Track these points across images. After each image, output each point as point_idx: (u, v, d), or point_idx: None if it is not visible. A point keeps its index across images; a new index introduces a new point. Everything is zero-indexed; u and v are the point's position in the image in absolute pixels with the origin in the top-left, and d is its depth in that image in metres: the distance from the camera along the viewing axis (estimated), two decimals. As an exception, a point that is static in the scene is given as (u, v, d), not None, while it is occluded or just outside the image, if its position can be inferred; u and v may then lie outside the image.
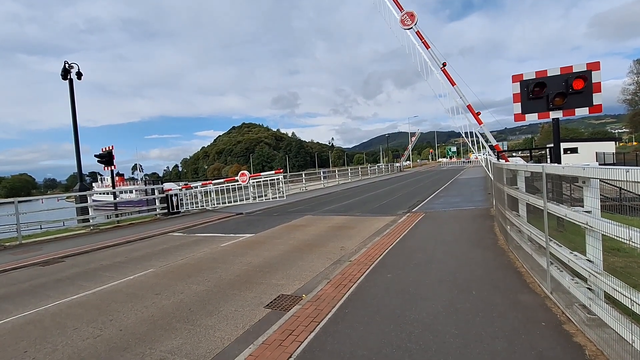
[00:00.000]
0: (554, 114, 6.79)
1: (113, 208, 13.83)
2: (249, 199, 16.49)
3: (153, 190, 15.06)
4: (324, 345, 3.33)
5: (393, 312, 3.92)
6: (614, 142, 39.71)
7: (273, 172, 13.67)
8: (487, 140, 11.32)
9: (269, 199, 15.18)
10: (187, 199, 15.92)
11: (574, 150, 38.03)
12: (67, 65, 14.91)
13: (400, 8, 12.03)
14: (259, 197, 15.51)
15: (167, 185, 14.74)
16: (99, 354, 3.74)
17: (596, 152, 35.29)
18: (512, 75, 7.18)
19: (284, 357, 3.18)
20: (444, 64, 11.85)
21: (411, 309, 3.93)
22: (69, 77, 15.02)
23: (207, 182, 15.26)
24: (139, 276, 6.55)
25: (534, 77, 6.90)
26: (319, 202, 16.97)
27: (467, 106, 11.61)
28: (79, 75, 15.20)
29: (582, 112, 6.65)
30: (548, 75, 6.79)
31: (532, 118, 6.97)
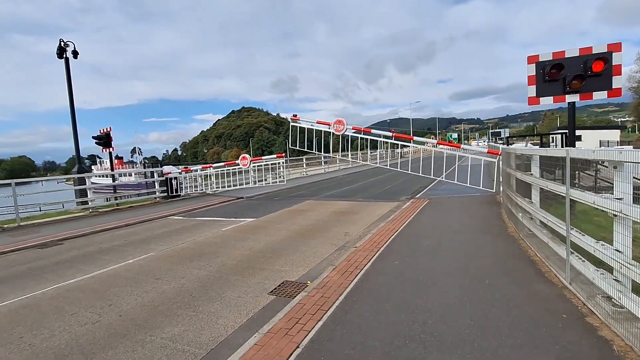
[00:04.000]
0: (570, 98, 6.49)
1: (112, 191, 13.63)
2: (249, 183, 16.29)
3: (152, 173, 14.82)
4: (333, 334, 3.17)
5: (404, 300, 3.75)
6: (618, 131, 39.19)
7: (274, 156, 13.41)
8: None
9: (270, 183, 14.98)
10: (187, 183, 15.70)
11: (578, 138, 37.59)
12: (62, 43, 14.42)
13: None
14: (259, 181, 15.30)
15: (166, 169, 14.49)
16: (97, 340, 3.60)
17: (600, 141, 34.91)
18: (528, 57, 6.84)
19: (291, 346, 3.02)
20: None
21: (422, 298, 3.77)
22: (64, 55, 14.56)
23: (207, 165, 15.00)
24: (139, 260, 6.40)
25: (551, 59, 6.58)
26: (320, 187, 16.78)
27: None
28: (75, 54, 14.72)
29: (599, 96, 6.36)
30: (566, 56, 6.47)
31: (547, 102, 6.68)
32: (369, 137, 14.23)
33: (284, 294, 4.41)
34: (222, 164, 14.78)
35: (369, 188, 15.42)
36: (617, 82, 6.21)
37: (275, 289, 4.62)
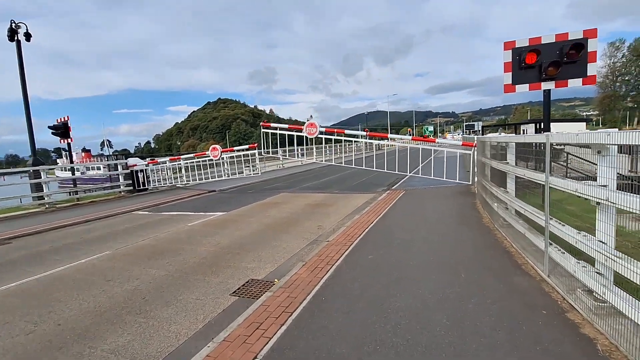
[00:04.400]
0: (546, 85, 6.38)
1: (72, 185, 12.69)
2: (222, 176, 15.68)
3: (116, 165, 13.93)
4: (297, 341, 2.83)
5: (376, 298, 3.47)
6: (584, 123, 40.85)
7: (246, 146, 12.85)
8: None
9: (244, 175, 14.43)
10: (156, 176, 14.91)
11: (546, 130, 38.95)
12: (13, 24, 13.20)
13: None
14: (233, 174, 14.71)
15: (131, 161, 13.65)
16: (28, 354, 3.11)
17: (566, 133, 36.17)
18: (504, 42, 6.67)
19: (247, 357, 2.66)
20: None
21: (396, 296, 3.50)
22: (16, 37, 13.35)
23: (176, 157, 14.25)
24: (92, 260, 5.83)
25: (527, 45, 6.43)
26: (297, 180, 16.40)
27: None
28: (28, 36, 13.52)
29: (575, 83, 6.28)
30: (542, 42, 6.33)
31: (523, 89, 6.55)
32: (342, 138, 13.92)
33: (247, 295, 4.03)
34: (192, 155, 14.06)
35: (346, 180, 15.17)
36: (592, 69, 6.14)
37: (238, 289, 4.23)
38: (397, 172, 11.64)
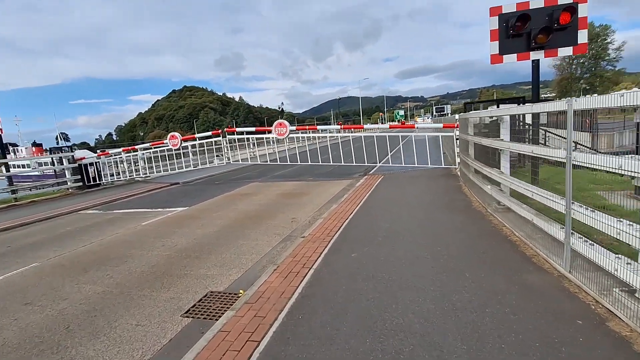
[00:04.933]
0: (535, 55, 5.84)
1: (9, 183, 11.05)
2: (189, 166, 14.46)
3: (61, 159, 12.34)
4: (265, 388, 2.06)
5: (367, 314, 2.75)
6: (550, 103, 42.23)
7: (210, 133, 11.71)
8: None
9: (213, 165, 13.31)
10: (110, 169, 13.45)
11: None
12: None
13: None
14: (202, 164, 13.57)
15: (78, 153, 12.13)
16: None
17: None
18: (490, 8, 6.04)
19: (195, 423, 1.86)
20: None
21: (391, 308, 2.79)
22: None
23: (130, 147, 12.86)
24: (13, 275, 4.73)
25: (515, 10, 5.83)
26: (268, 168, 15.34)
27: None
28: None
29: (565, 52, 5.79)
30: (530, 7, 5.74)
31: (510, 59, 5.99)
32: (316, 135, 12.99)
33: (204, 314, 3.20)
34: (148, 144, 12.72)
35: (321, 166, 14.25)
36: (582, 36, 5.64)
37: (193, 306, 3.38)
38: (378, 160, 11.00)
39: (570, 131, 2.74)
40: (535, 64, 5.94)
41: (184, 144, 11.70)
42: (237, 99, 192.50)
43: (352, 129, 12.33)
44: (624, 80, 67.78)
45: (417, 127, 10.63)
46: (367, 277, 3.41)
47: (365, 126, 11.95)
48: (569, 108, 2.73)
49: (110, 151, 12.85)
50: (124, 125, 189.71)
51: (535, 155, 3.41)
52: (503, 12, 5.92)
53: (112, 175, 13.97)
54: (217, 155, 15.31)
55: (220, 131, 11.26)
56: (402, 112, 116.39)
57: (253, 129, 12.14)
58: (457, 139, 8.43)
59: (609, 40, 65.99)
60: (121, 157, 13.46)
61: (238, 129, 11.48)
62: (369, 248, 4.25)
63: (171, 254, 4.98)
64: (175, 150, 14.11)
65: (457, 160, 8.90)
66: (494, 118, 5.10)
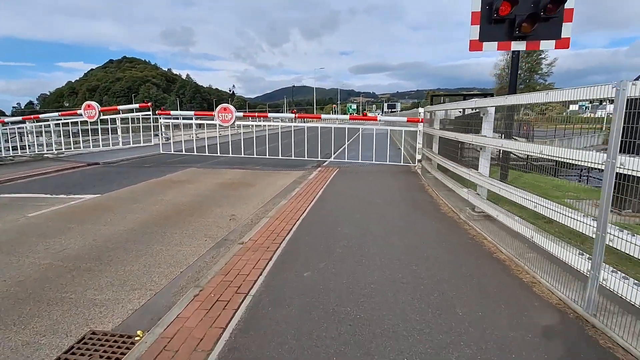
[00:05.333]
0: (516, 45, 5.27)
1: None
2: (118, 144, 12.38)
3: None
4: None
5: (327, 386, 1.77)
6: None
7: (136, 105, 9.85)
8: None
9: (144, 145, 11.46)
10: (14, 142, 10.94)
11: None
12: None
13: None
14: (135, 142, 11.62)
15: (-40, 118, 9.55)
16: None
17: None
18: (474, -14, 5.32)
19: None
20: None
21: (363, 373, 1.85)
22: None
23: (33, 116, 10.49)
24: None
25: (501, -10, 5.16)
26: (211, 152, 13.74)
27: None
28: None
29: (547, 45, 5.29)
30: (515, -11, 5.12)
31: (490, 48, 5.35)
32: (266, 124, 11.71)
33: (67, 380, 1.99)
34: (56, 114, 10.47)
35: (270, 154, 13.05)
36: (566, 30, 5.17)
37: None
38: (332, 153, 10.09)
39: (618, 128, 1.98)
40: (516, 55, 5.39)
41: (108, 117, 9.70)
42: (184, 77, 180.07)
43: (307, 119, 11.18)
44: (551, 94, 75.16)
45: (380, 120, 9.75)
46: (326, 314, 2.43)
47: (322, 116, 10.84)
48: (618, 95, 1.97)
49: (6, 119, 10.33)
50: (49, 93, 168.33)
51: (546, 157, 2.67)
52: (486, -8, 5.24)
53: (14, 149, 11.42)
54: (155, 134, 13.37)
55: (150, 104, 9.48)
56: (354, 106, 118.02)
57: (191, 113, 10.47)
58: (423, 135, 7.78)
59: (542, 55, 72.82)
60: (26, 128, 10.99)
61: (173, 112, 9.78)
62: (326, 263, 3.28)
63: (52, 264, 3.57)
64: (101, 125, 11.98)
65: (418, 157, 8.32)
66: (476, 110, 4.40)
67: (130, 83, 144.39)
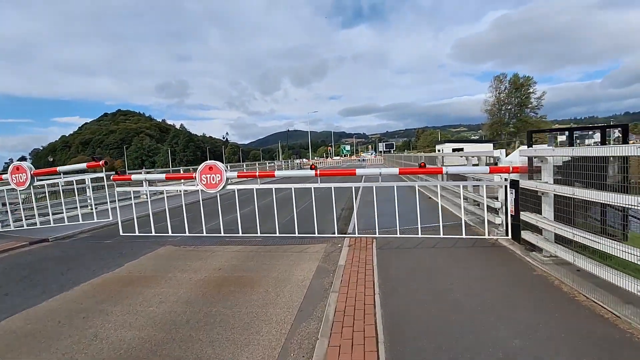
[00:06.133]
0: None
1: None
2: (87, 207, 9.70)
3: None
4: None
5: None
6: (491, 144, 43.61)
7: (83, 165, 7.26)
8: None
9: (110, 207, 8.78)
10: None
11: (461, 150, 40.40)
12: None
13: None
14: (81, 216, 8.89)
15: None
16: None
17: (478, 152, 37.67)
18: None
19: None
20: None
21: None
22: None
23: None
24: None
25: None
26: (195, 214, 10.61)
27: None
28: None
29: None
30: None
31: None
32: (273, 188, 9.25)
33: None
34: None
35: (270, 212, 9.96)
36: None
37: None
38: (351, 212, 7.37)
39: None
40: None
41: (45, 182, 7.04)
42: (177, 126, 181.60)
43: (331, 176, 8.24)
44: (545, 126, 75.59)
45: (446, 172, 6.03)
46: None
47: (357, 171, 7.56)
48: None
49: None
50: (41, 148, 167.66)
51: None
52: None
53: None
54: (111, 206, 10.72)
55: (101, 162, 6.86)
56: (348, 147, 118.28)
57: (162, 176, 7.88)
58: (514, 190, 5.01)
59: (531, 90, 73.86)
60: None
61: (135, 177, 7.19)
62: None
63: None
64: (64, 186, 9.32)
65: (497, 220, 5.68)
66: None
67: (124, 135, 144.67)
